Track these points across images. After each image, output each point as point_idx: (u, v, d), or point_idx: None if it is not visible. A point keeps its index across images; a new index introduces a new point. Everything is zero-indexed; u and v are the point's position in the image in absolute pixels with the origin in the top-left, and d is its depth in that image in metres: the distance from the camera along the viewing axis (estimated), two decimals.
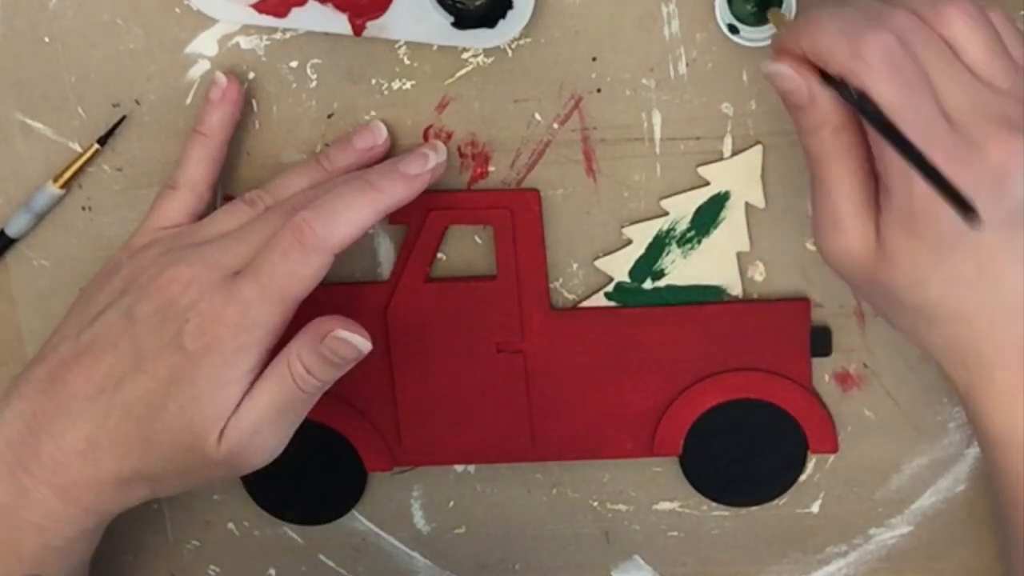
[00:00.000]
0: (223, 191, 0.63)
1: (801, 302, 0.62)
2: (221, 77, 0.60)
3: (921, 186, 0.48)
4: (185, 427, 0.55)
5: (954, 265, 0.51)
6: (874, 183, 0.52)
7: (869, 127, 0.49)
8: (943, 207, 0.47)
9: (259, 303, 0.55)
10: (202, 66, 0.61)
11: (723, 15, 0.58)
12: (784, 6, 0.57)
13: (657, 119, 0.61)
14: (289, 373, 0.56)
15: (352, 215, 0.56)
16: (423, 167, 0.58)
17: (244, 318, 0.55)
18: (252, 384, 0.56)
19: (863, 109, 0.49)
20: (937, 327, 0.53)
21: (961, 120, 0.49)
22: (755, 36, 0.58)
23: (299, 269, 0.55)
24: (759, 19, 0.58)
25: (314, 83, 0.61)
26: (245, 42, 0.61)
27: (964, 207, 0.46)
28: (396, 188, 0.57)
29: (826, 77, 0.50)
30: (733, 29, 0.58)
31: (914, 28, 0.50)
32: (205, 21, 0.60)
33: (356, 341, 0.56)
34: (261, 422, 0.56)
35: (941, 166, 0.47)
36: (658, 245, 0.62)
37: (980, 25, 0.50)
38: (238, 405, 0.55)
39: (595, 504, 0.67)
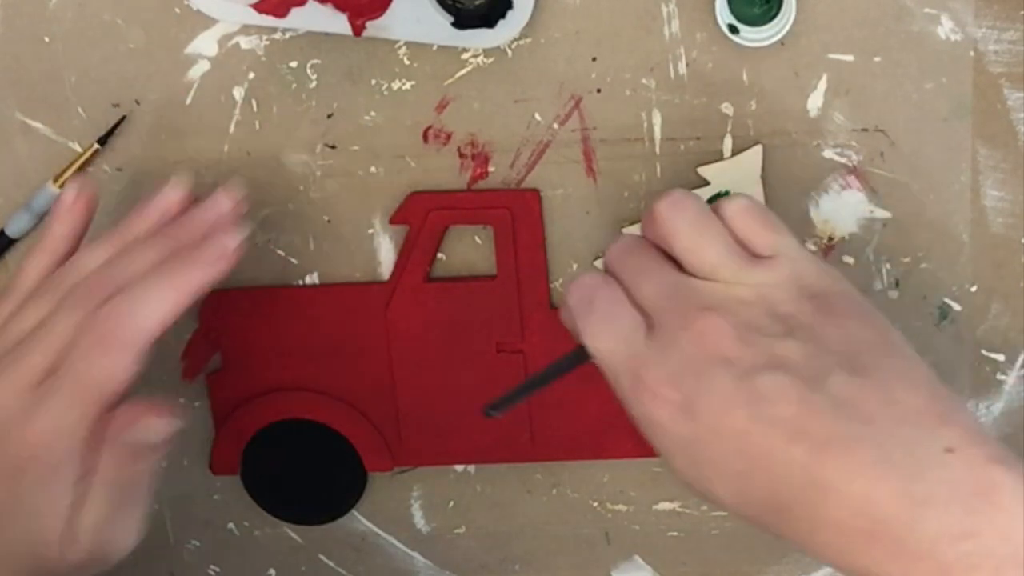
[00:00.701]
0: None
1: None
2: (69, 191, 0.58)
3: (640, 416, 0.48)
4: (29, 548, 0.53)
5: (718, 467, 0.47)
6: None
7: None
8: (665, 421, 0.47)
9: (69, 411, 0.53)
10: (202, 66, 0.61)
11: (723, 15, 0.58)
12: (784, 7, 0.57)
13: (657, 119, 0.61)
14: (115, 464, 0.54)
15: (155, 307, 0.54)
16: (227, 249, 0.55)
17: (58, 429, 0.53)
18: (86, 483, 0.54)
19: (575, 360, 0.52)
20: (769, 525, 0.47)
21: (655, 311, 0.49)
22: (755, 36, 0.58)
23: (106, 369, 0.53)
24: (760, 19, 0.58)
25: (314, 83, 0.61)
26: (245, 42, 0.61)
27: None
28: (200, 273, 0.55)
29: None
30: (733, 29, 0.58)
31: (625, 250, 0.52)
32: (205, 21, 0.60)
33: (154, 428, 0.54)
34: (106, 515, 0.54)
35: (634, 370, 0.48)
36: None
37: (683, 223, 0.51)
38: (78, 507, 0.54)
39: (595, 504, 0.67)
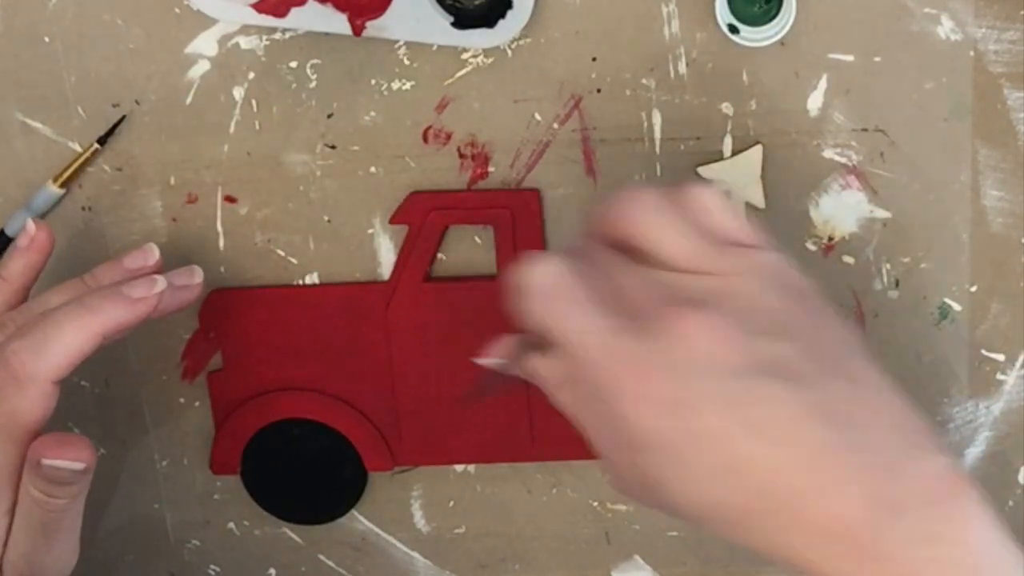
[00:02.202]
0: (223, 192, 0.63)
1: None
2: (31, 225, 0.60)
3: (603, 411, 0.46)
4: None
5: (686, 467, 0.45)
6: None
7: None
8: (638, 417, 0.45)
9: None
10: (202, 66, 0.61)
11: (723, 15, 0.58)
12: (784, 7, 0.57)
13: (657, 119, 0.61)
14: (32, 502, 0.54)
15: (66, 340, 0.54)
16: (148, 291, 0.56)
17: None
18: (9, 516, 0.55)
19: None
20: (742, 532, 0.47)
21: (633, 307, 0.46)
22: (755, 36, 0.58)
23: (18, 405, 0.54)
24: (760, 19, 0.58)
25: (314, 83, 0.61)
26: (245, 42, 0.61)
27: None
28: (116, 309, 0.55)
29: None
30: (733, 29, 0.58)
31: (581, 253, 0.48)
32: (205, 21, 0.60)
33: (65, 465, 0.54)
34: (32, 547, 0.55)
35: (618, 370, 0.45)
36: None
37: (649, 215, 0.48)
38: (4, 541, 0.55)
39: (595, 504, 0.67)
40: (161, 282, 0.57)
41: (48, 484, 0.54)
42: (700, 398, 0.44)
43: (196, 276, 0.59)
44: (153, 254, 0.60)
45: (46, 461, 0.53)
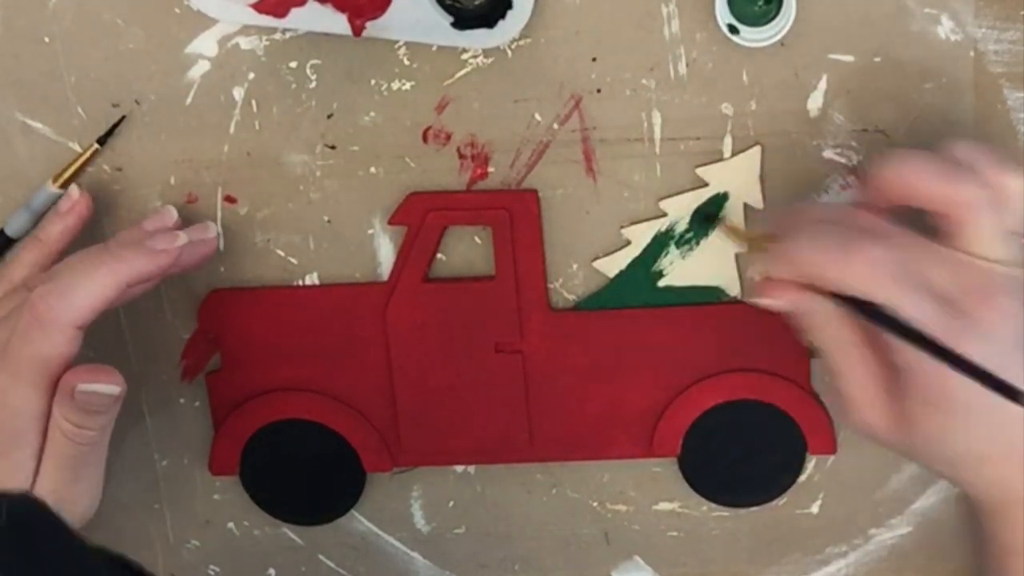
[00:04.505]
0: (223, 192, 0.63)
1: None
2: (74, 191, 0.61)
3: (935, 371, 0.51)
4: None
5: (970, 423, 0.52)
6: (880, 360, 0.53)
7: (885, 329, 0.52)
8: (956, 383, 0.50)
9: (12, 391, 0.55)
10: (202, 66, 0.61)
11: (723, 15, 0.58)
12: (784, 7, 0.57)
13: (657, 119, 0.61)
14: (62, 435, 0.56)
15: (90, 286, 0.56)
16: (169, 244, 0.58)
17: (8, 407, 0.55)
18: (41, 453, 0.56)
19: (877, 319, 0.51)
20: (967, 471, 0.54)
21: (951, 297, 0.51)
22: (755, 36, 0.58)
23: (42, 349, 0.55)
24: (760, 19, 0.58)
25: (314, 83, 0.61)
26: (245, 42, 0.61)
27: (1008, 393, 0.49)
28: (138, 259, 0.57)
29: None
30: (733, 29, 0.58)
31: (883, 229, 0.53)
32: (205, 21, 0.60)
33: (101, 389, 0.56)
34: (61, 487, 0.56)
35: (946, 345, 0.50)
36: (657, 246, 0.62)
37: (975, 199, 0.52)
38: (36, 476, 0.56)
39: (595, 504, 0.67)
40: (182, 237, 0.59)
41: (80, 414, 0.55)
42: (1000, 371, 0.50)
43: (210, 231, 0.61)
44: (172, 216, 0.61)
45: (82, 387, 0.55)
